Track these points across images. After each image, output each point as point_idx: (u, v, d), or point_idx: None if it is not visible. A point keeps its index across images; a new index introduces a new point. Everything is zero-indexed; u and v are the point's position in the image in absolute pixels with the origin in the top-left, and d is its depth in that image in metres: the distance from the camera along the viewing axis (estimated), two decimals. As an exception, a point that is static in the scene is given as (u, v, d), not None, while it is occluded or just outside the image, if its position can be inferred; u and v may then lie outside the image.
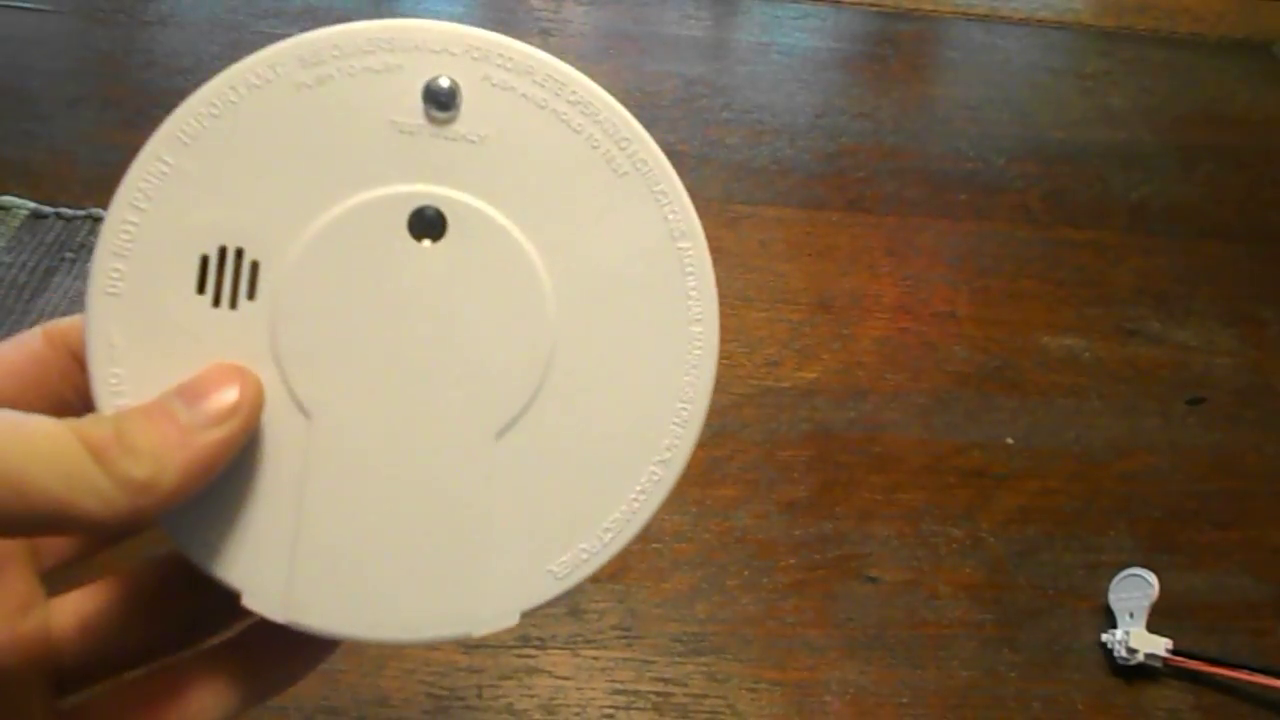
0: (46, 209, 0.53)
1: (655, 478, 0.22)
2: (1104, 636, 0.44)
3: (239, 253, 0.21)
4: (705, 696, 0.41)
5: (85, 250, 0.51)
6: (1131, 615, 0.44)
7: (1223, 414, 0.55)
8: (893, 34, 0.78)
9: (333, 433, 0.21)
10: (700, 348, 0.22)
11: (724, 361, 0.52)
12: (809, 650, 0.43)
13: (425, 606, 0.21)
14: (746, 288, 0.56)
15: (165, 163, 0.20)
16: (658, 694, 0.41)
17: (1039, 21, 0.81)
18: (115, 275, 0.20)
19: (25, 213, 0.52)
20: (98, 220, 0.52)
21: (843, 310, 0.56)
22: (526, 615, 0.22)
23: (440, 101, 0.21)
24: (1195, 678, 0.44)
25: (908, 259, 0.60)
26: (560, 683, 0.41)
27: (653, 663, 0.42)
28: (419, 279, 0.21)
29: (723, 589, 0.44)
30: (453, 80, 0.21)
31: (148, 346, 0.20)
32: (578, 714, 0.40)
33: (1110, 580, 0.45)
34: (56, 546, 0.23)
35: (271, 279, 0.21)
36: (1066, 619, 0.45)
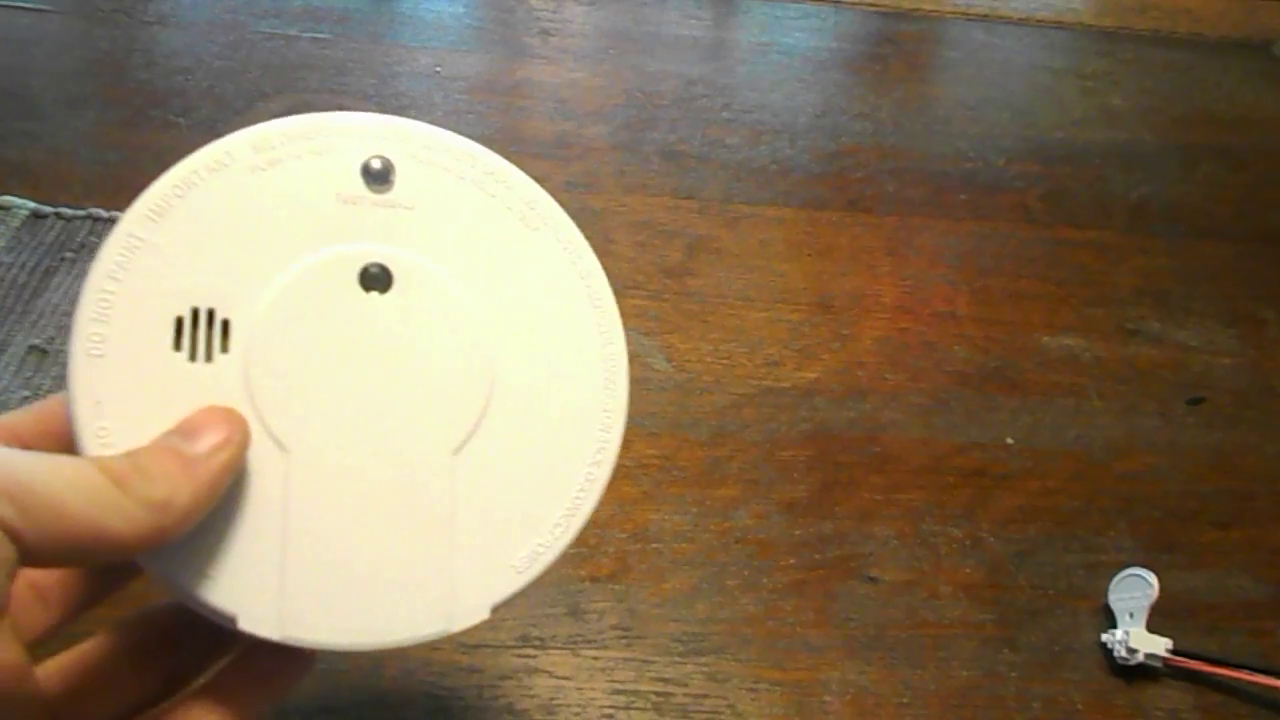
0: (46, 209, 0.53)
1: (591, 477, 0.26)
2: (1104, 636, 0.44)
3: (210, 312, 0.23)
4: (705, 696, 0.41)
5: (85, 250, 0.51)
6: (1131, 615, 0.44)
7: (1223, 414, 0.55)
8: (893, 34, 0.78)
9: (309, 463, 0.23)
10: (614, 366, 0.26)
11: (724, 361, 0.52)
12: (809, 650, 0.43)
13: (407, 612, 0.24)
14: (746, 288, 0.56)
15: (138, 237, 0.23)
16: (658, 694, 0.41)
17: (1039, 21, 0.81)
18: (97, 339, 0.22)
19: (25, 213, 0.52)
20: (98, 220, 0.52)
21: (843, 310, 0.56)
22: (497, 609, 0.24)
23: (376, 176, 0.25)
24: (1195, 678, 0.44)
25: (908, 259, 0.60)
26: (560, 683, 0.41)
27: (653, 663, 0.42)
28: (371, 325, 0.24)
29: (723, 589, 0.44)
30: (386, 158, 0.25)
31: (132, 400, 0.22)
32: (578, 714, 0.40)
33: (1110, 580, 0.45)
34: (34, 619, 0.25)
35: (242, 333, 0.23)
36: (1066, 619, 0.45)
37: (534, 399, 0.25)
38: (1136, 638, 0.43)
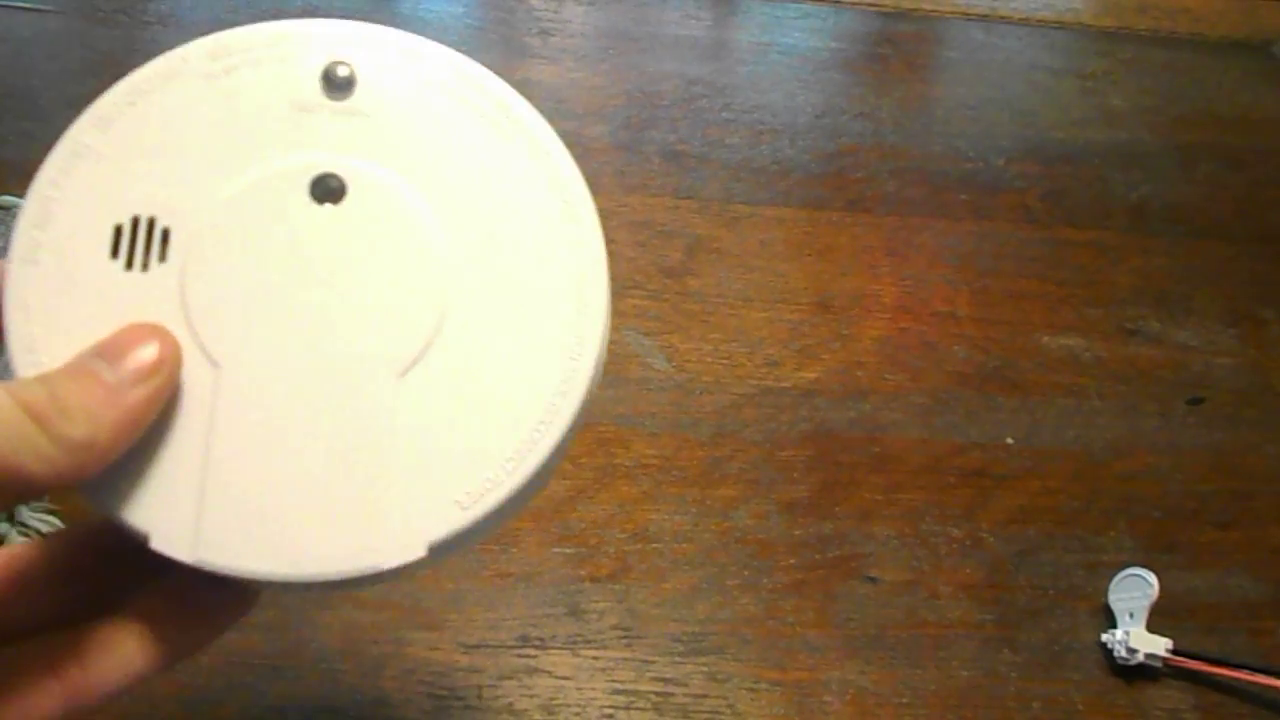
0: (46, 209, 0.53)
1: (554, 407, 0.23)
2: (1104, 636, 0.44)
3: (150, 221, 0.22)
4: (705, 696, 0.41)
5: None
6: (1131, 615, 0.44)
7: (1223, 414, 0.55)
8: (893, 34, 0.78)
9: (239, 380, 0.22)
10: (591, 285, 0.24)
11: (724, 361, 0.52)
12: (809, 650, 0.43)
13: (333, 542, 0.22)
14: (746, 288, 0.56)
15: (84, 144, 0.23)
16: (658, 694, 0.41)
17: (1039, 21, 0.81)
18: (33, 243, 0.22)
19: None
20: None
21: (843, 310, 0.56)
22: (435, 547, 0.22)
23: (336, 83, 0.23)
24: (1195, 678, 0.44)
25: (908, 259, 0.60)
26: (560, 683, 0.41)
27: (653, 663, 0.42)
28: (321, 238, 0.23)
29: (723, 589, 0.44)
30: (348, 64, 0.23)
31: (63, 307, 0.22)
32: (578, 714, 0.40)
33: (1110, 580, 0.45)
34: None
35: (181, 243, 0.22)
36: (1066, 619, 0.45)
37: (494, 321, 0.23)
38: (1136, 638, 0.43)
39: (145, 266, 0.22)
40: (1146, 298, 0.60)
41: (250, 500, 0.22)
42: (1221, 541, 0.49)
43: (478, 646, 0.41)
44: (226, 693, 0.39)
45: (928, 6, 0.80)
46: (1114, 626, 0.44)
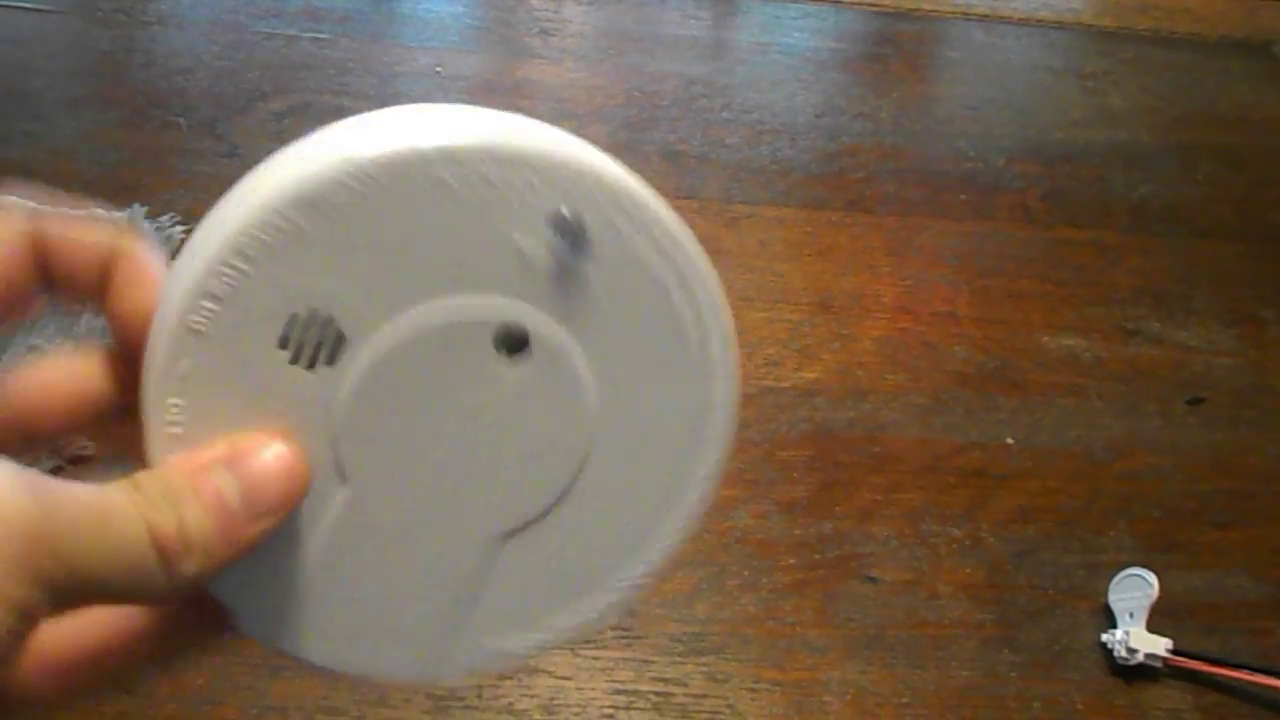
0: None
1: (614, 601, 0.25)
2: (1104, 636, 0.44)
3: (329, 320, 0.21)
4: (705, 696, 0.41)
5: (85, 250, 0.51)
6: (1131, 615, 0.44)
7: (1223, 414, 0.55)
8: (893, 34, 0.78)
9: (362, 498, 0.22)
10: (692, 514, 0.25)
11: (724, 361, 0.52)
12: (809, 650, 0.43)
13: (392, 656, 0.24)
14: (746, 288, 0.56)
15: (288, 219, 0.21)
16: (658, 694, 0.41)
17: (1039, 21, 0.81)
18: (205, 313, 0.21)
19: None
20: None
21: (843, 310, 0.56)
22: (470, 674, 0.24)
23: (566, 237, 0.22)
24: (1195, 678, 0.44)
25: (908, 259, 0.60)
26: (560, 683, 0.41)
27: (653, 663, 0.42)
28: (486, 387, 0.22)
29: (723, 589, 0.44)
30: (583, 222, 0.22)
31: (216, 385, 0.21)
32: (578, 714, 0.40)
33: (1110, 580, 0.45)
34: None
35: (354, 353, 0.22)
36: (1066, 619, 0.45)
37: (601, 513, 0.24)
38: (1136, 638, 0.43)
39: (311, 364, 0.21)
40: (1146, 298, 0.60)
41: (334, 607, 0.23)
42: (1221, 541, 0.49)
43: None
44: (226, 693, 0.39)
45: (928, 6, 0.80)
46: (1114, 626, 0.44)
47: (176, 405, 0.21)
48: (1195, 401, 0.55)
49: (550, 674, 0.41)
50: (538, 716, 0.40)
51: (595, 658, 0.42)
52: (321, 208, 0.21)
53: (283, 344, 0.21)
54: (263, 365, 0.21)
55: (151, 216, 0.53)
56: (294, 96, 0.62)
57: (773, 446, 0.49)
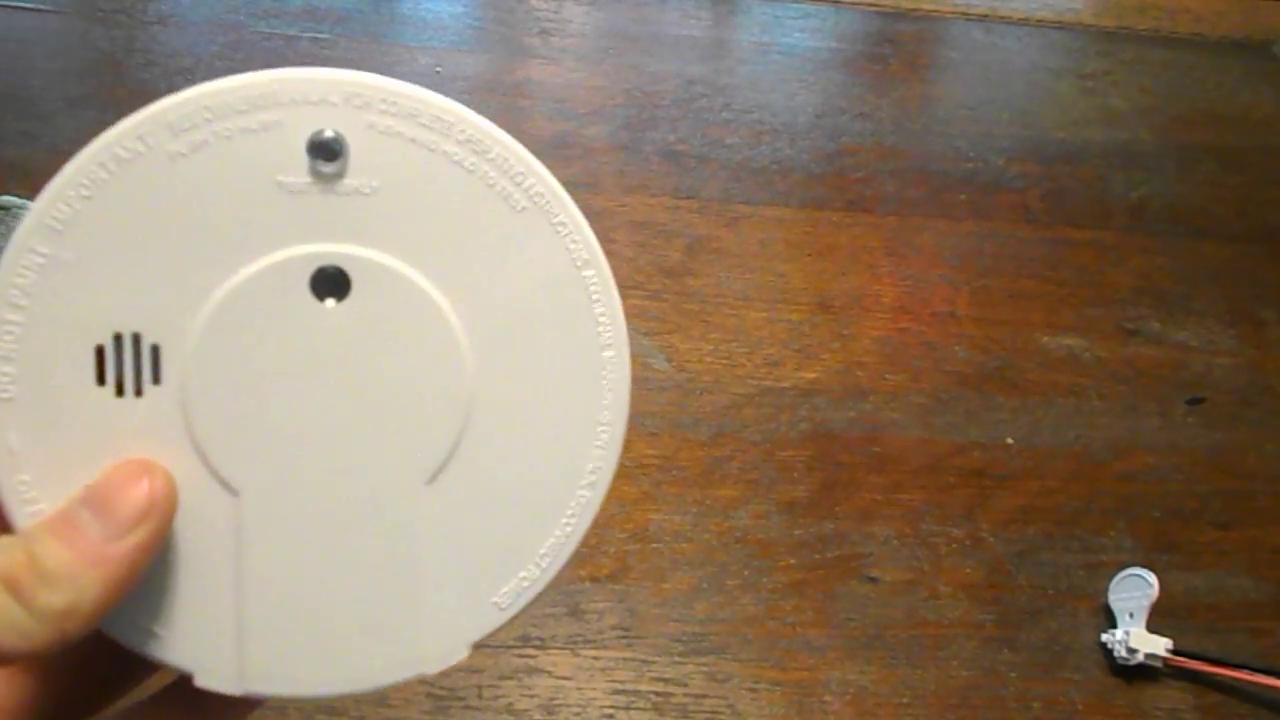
0: (46, 209, 0.53)
1: (584, 500, 0.23)
2: (1104, 636, 0.44)
3: (136, 338, 0.20)
4: (705, 696, 0.41)
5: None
6: (1131, 615, 0.44)
7: (1223, 414, 0.55)
8: (893, 34, 0.78)
9: (263, 505, 0.21)
10: (613, 372, 0.23)
11: (724, 361, 0.52)
12: (809, 650, 0.43)
13: (376, 655, 0.21)
14: (746, 288, 0.56)
15: (39, 253, 0.19)
16: (658, 694, 0.41)
17: (1039, 21, 0.81)
18: (4, 379, 0.19)
19: (25, 213, 0.52)
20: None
21: (843, 310, 0.56)
22: (476, 646, 0.22)
23: (326, 156, 0.20)
24: (1195, 678, 0.44)
25: (908, 259, 0.60)
26: (560, 683, 0.41)
27: (653, 663, 0.42)
28: (329, 339, 0.21)
29: (723, 589, 0.44)
30: (336, 132, 0.20)
31: (52, 447, 0.20)
32: (578, 714, 0.40)
33: (1110, 580, 0.45)
34: None
35: (175, 360, 0.20)
36: (1066, 619, 0.45)
37: (519, 415, 0.22)
38: (1136, 638, 0.43)
39: (139, 391, 0.20)
40: (1146, 298, 0.60)
41: (290, 625, 0.21)
42: (1221, 541, 0.49)
43: (478, 646, 0.41)
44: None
45: (928, 6, 0.80)
46: (1114, 626, 0.44)
47: (24, 481, 0.20)
48: (1195, 401, 0.55)
49: (550, 674, 0.41)
50: (538, 716, 0.40)
51: (595, 658, 0.42)
52: (58, 228, 0.19)
53: (100, 380, 0.20)
54: (89, 409, 0.20)
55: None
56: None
57: (773, 446, 0.49)
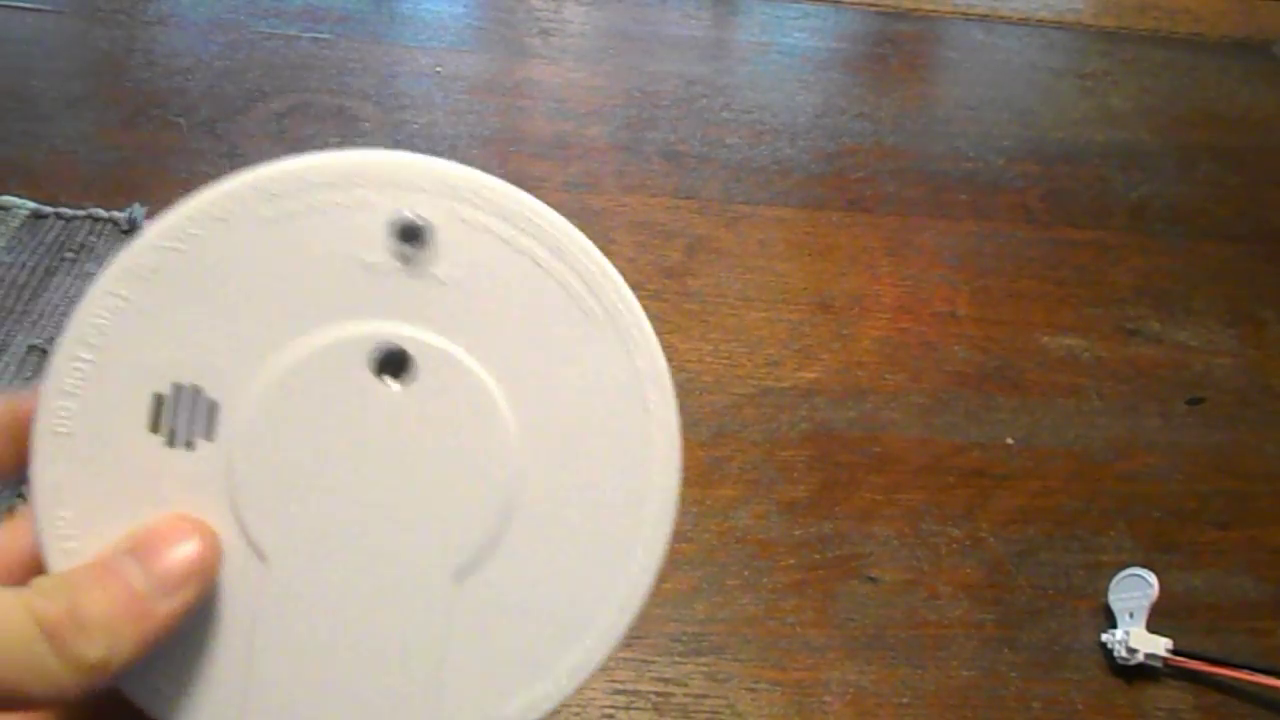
0: (46, 209, 0.53)
1: (611, 622, 0.22)
2: (1104, 636, 0.44)
3: (196, 391, 0.20)
4: (705, 696, 0.41)
5: (85, 250, 0.51)
6: (1131, 615, 0.44)
7: (1223, 414, 0.55)
8: (893, 34, 0.78)
9: (289, 577, 0.20)
10: (661, 495, 0.22)
11: (724, 361, 0.52)
12: (809, 650, 0.43)
13: None
14: (746, 288, 0.56)
15: (121, 297, 0.20)
16: (658, 694, 0.41)
17: (1039, 21, 0.81)
18: (64, 413, 0.20)
19: (25, 213, 0.52)
20: (98, 220, 0.52)
21: (843, 310, 0.56)
22: None
23: (410, 239, 0.21)
24: (1195, 678, 0.44)
25: (908, 259, 0.60)
26: (560, 683, 0.41)
27: (653, 663, 0.42)
28: (382, 420, 0.21)
29: (723, 589, 0.44)
30: (424, 218, 0.21)
31: (96, 487, 0.20)
32: (577, 714, 0.40)
33: (1110, 580, 0.45)
34: None
35: (230, 419, 0.20)
36: (1066, 619, 0.45)
37: (558, 526, 0.21)
38: (1136, 638, 0.43)
39: (190, 444, 0.20)
40: (1146, 298, 0.60)
41: (293, 706, 0.20)
42: (1221, 541, 0.49)
43: None
44: None
45: (928, 6, 0.80)
46: (1114, 626, 0.44)
47: (63, 518, 0.20)
48: (1195, 401, 0.55)
49: (550, 674, 0.41)
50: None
51: (595, 658, 0.42)
52: (144, 275, 0.20)
53: (154, 428, 0.20)
54: (139, 455, 0.20)
55: (151, 216, 0.53)
56: (294, 96, 0.62)
57: (773, 446, 0.49)
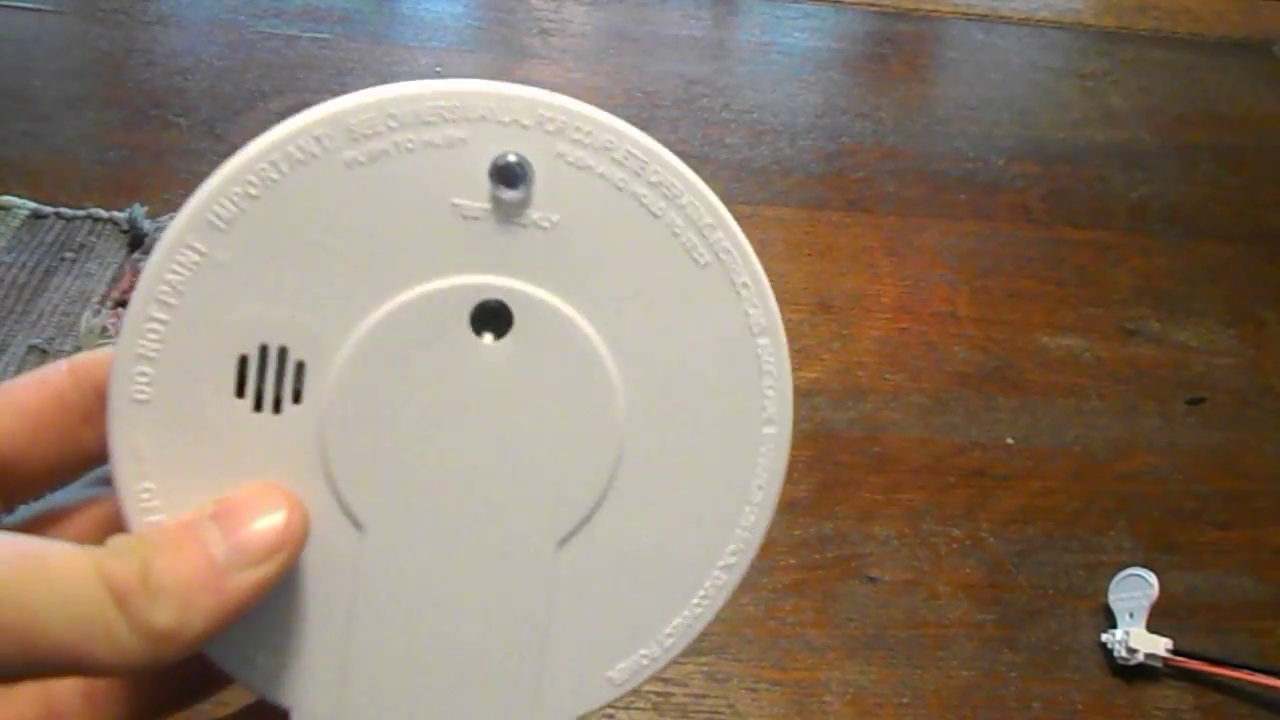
0: (46, 209, 0.53)
1: (719, 583, 0.21)
2: (1104, 636, 0.44)
3: (282, 352, 0.19)
4: (705, 696, 0.41)
5: (85, 250, 0.51)
6: (1131, 615, 0.44)
7: (1223, 414, 0.55)
8: (893, 34, 0.78)
9: (387, 546, 0.19)
10: (772, 452, 0.21)
11: (724, 361, 0.53)
12: (809, 650, 0.43)
13: (480, 718, 0.20)
14: (746, 288, 0.56)
15: (196, 250, 0.18)
16: (658, 694, 0.41)
17: (1039, 21, 0.81)
18: (143, 380, 0.18)
19: (25, 213, 0.52)
20: (98, 220, 0.52)
21: (843, 310, 0.56)
22: (582, 719, 0.21)
23: (508, 182, 0.19)
24: (1195, 678, 0.44)
25: (908, 259, 0.60)
26: (560, 683, 0.41)
27: (653, 663, 0.42)
28: (481, 378, 0.19)
29: (723, 589, 0.44)
30: (523, 158, 0.19)
31: (181, 457, 0.19)
32: (578, 714, 0.40)
33: (1110, 580, 0.45)
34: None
35: (319, 380, 0.19)
36: (1066, 619, 0.45)
37: (665, 484, 0.20)
38: (1136, 638, 0.43)
39: (277, 408, 0.19)
40: (1146, 298, 0.60)
41: (397, 676, 0.20)
42: (1221, 541, 0.49)
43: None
44: (228, 692, 0.39)
45: (928, 6, 0.80)
46: (1114, 626, 0.44)
47: (146, 490, 0.19)
48: (1195, 401, 0.55)
49: (550, 674, 0.41)
50: (538, 716, 0.40)
51: (595, 658, 0.42)
52: (220, 225, 0.18)
53: (240, 392, 0.19)
54: (224, 421, 0.19)
55: (151, 216, 0.53)
56: (294, 96, 0.62)
57: (773, 446, 0.49)
